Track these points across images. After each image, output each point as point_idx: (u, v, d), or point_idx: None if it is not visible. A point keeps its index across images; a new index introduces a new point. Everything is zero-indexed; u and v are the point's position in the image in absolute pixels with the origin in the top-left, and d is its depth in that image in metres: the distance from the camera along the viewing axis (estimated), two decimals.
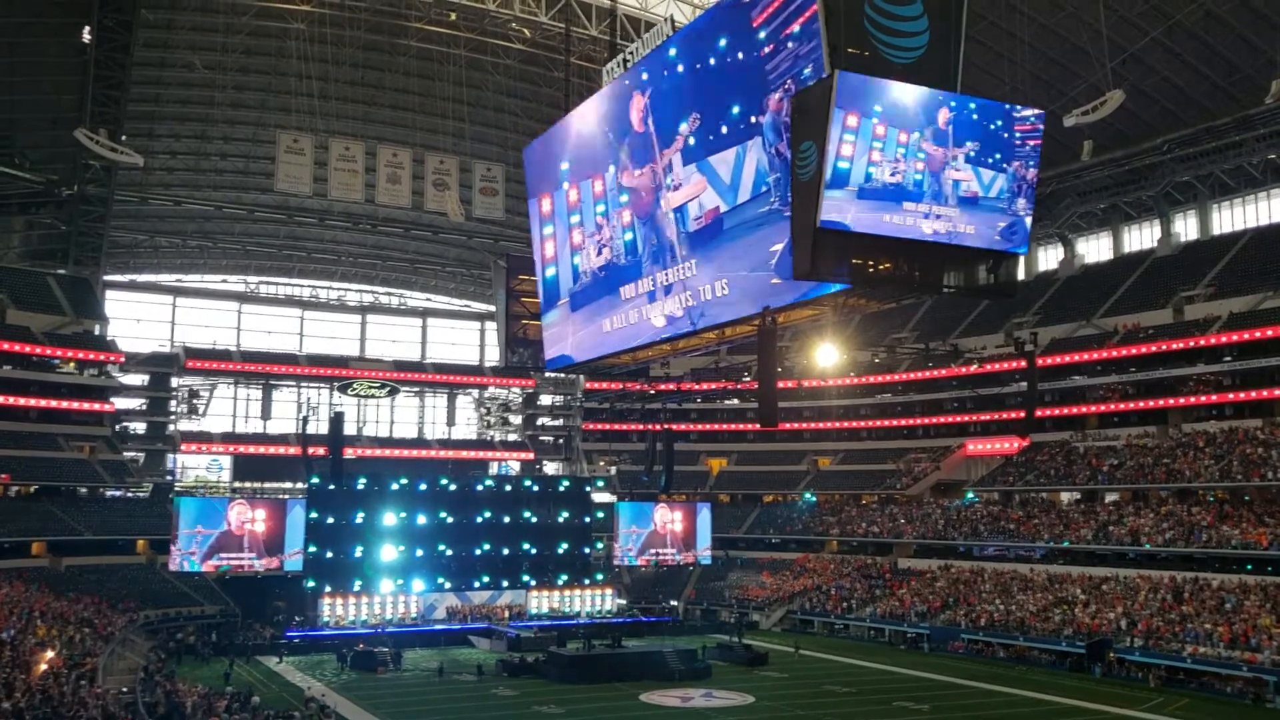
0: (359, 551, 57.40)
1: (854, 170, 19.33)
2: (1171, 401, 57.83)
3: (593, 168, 30.36)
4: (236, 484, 70.60)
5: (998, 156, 20.77)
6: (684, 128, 26.06)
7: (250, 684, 40.46)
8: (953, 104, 20.26)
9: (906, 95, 19.76)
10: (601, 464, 78.06)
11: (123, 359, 66.92)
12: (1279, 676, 38.26)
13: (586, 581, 62.33)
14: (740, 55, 23.38)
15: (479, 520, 60.88)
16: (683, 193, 26.39)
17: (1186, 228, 65.96)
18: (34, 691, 27.33)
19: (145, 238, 75.11)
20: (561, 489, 65.46)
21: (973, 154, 20.49)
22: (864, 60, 19.86)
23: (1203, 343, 55.70)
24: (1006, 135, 20.90)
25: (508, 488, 64.76)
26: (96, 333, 66.60)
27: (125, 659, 43.07)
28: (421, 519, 59.18)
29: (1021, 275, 65.26)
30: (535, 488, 64.79)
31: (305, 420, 59.77)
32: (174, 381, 72.65)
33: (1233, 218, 63.63)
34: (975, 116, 20.54)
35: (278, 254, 79.55)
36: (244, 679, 42.11)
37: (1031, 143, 21.14)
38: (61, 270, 68.31)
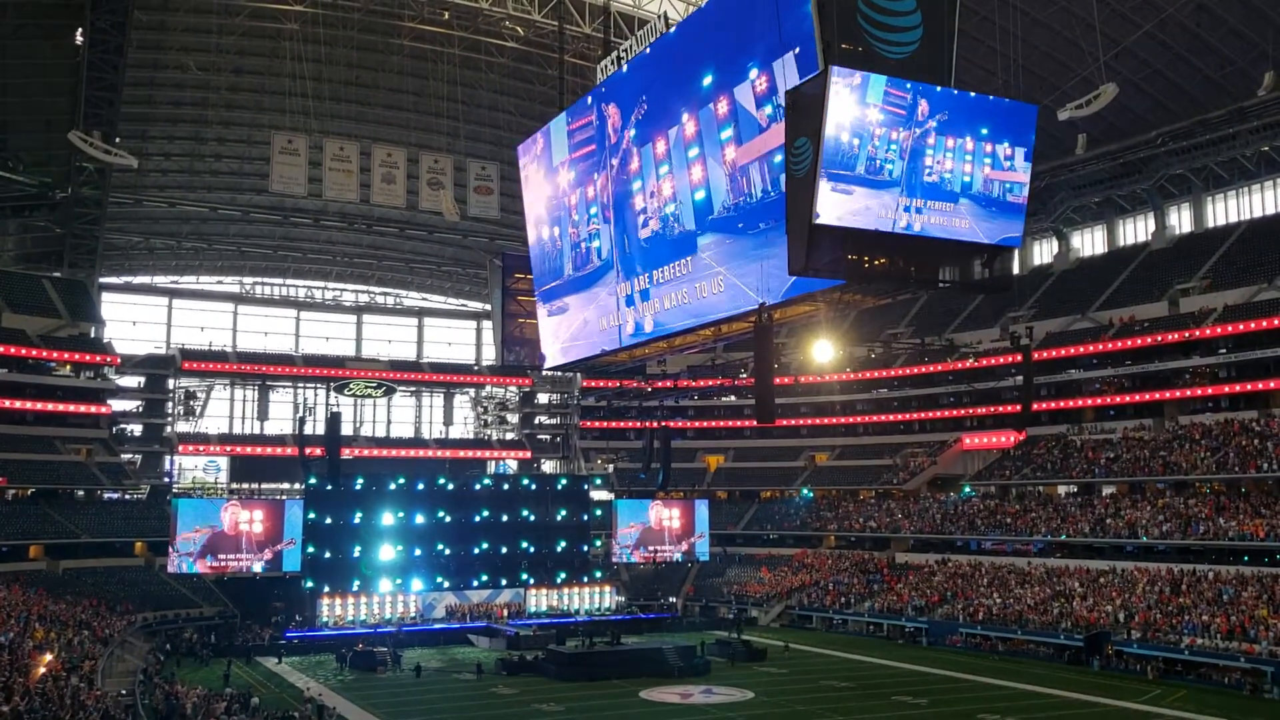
0: (357, 551, 57.40)
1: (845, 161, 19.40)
2: (1167, 394, 57.93)
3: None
4: (234, 485, 70.58)
5: (989, 150, 20.82)
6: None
7: (249, 685, 40.46)
8: (943, 98, 20.29)
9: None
10: (599, 462, 78.10)
11: (119, 361, 66.89)
12: (1276, 667, 38.40)
13: (585, 579, 62.35)
14: None
15: (477, 519, 60.90)
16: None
17: (1181, 220, 66.07)
18: (33, 695, 27.32)
19: (140, 240, 75.01)
20: (559, 487, 65.45)
21: (964, 148, 20.54)
22: (858, 56, 19.88)
23: (1198, 335, 55.82)
24: (999, 130, 20.95)
25: (505, 486, 64.77)
26: (92, 335, 66.54)
27: (124, 661, 43.07)
28: (419, 518, 59.19)
29: (1016, 269, 64.98)
30: (533, 486, 64.80)
31: (302, 421, 59.77)
32: (170, 383, 72.56)
33: (1226, 210, 63.75)
34: (967, 111, 20.58)
35: (273, 255, 79.50)
36: (243, 680, 42.12)
37: (1025, 137, 21.21)
38: (56, 273, 68.25)
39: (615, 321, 30.52)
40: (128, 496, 65.28)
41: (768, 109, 22.96)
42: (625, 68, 28.97)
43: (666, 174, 27.13)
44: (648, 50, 27.92)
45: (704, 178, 25.63)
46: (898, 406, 72.81)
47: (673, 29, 27.40)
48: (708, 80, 25.20)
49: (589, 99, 30.40)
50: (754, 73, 23.33)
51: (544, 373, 61.78)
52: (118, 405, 69.53)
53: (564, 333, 33.87)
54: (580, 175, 31.61)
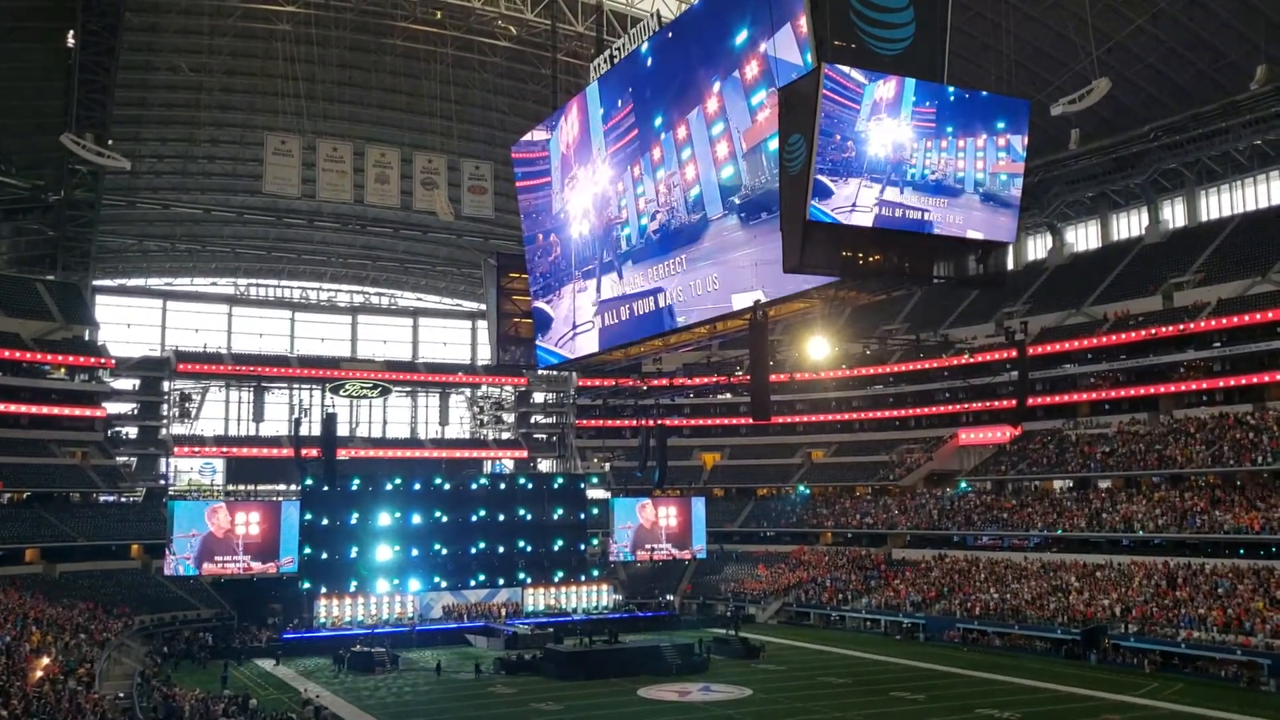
0: (354, 552, 57.39)
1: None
2: (1162, 388, 58.04)
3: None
4: (230, 487, 70.51)
5: (983, 147, 20.86)
6: None
7: (247, 687, 40.40)
8: (936, 95, 20.33)
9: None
10: (595, 460, 78.09)
11: (113, 364, 66.74)
12: (1273, 660, 38.47)
13: (582, 578, 62.32)
14: None
15: (474, 519, 60.89)
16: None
17: (1174, 214, 66.18)
18: (30, 699, 27.29)
19: (134, 242, 74.84)
20: (556, 486, 65.47)
21: (958, 144, 20.57)
22: (851, 53, 19.92)
23: (1192, 329, 55.92)
24: (993, 125, 20.99)
25: (502, 486, 64.70)
26: (87, 338, 66.38)
27: (121, 664, 42.97)
28: (416, 518, 59.19)
29: (1010, 265, 65.41)
30: (529, 485, 64.75)
31: (298, 422, 59.67)
32: (165, 385, 72.48)
33: (1220, 204, 63.88)
34: (957, 94, 20.62)
35: (267, 256, 79.36)
36: (241, 682, 42.06)
37: (1018, 132, 21.25)
38: (50, 276, 68.05)
39: (626, 314, 30.37)
40: (123, 499, 65.07)
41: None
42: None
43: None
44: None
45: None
46: (893, 403, 72.86)
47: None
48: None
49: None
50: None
51: (540, 372, 61.70)
52: (113, 408, 69.35)
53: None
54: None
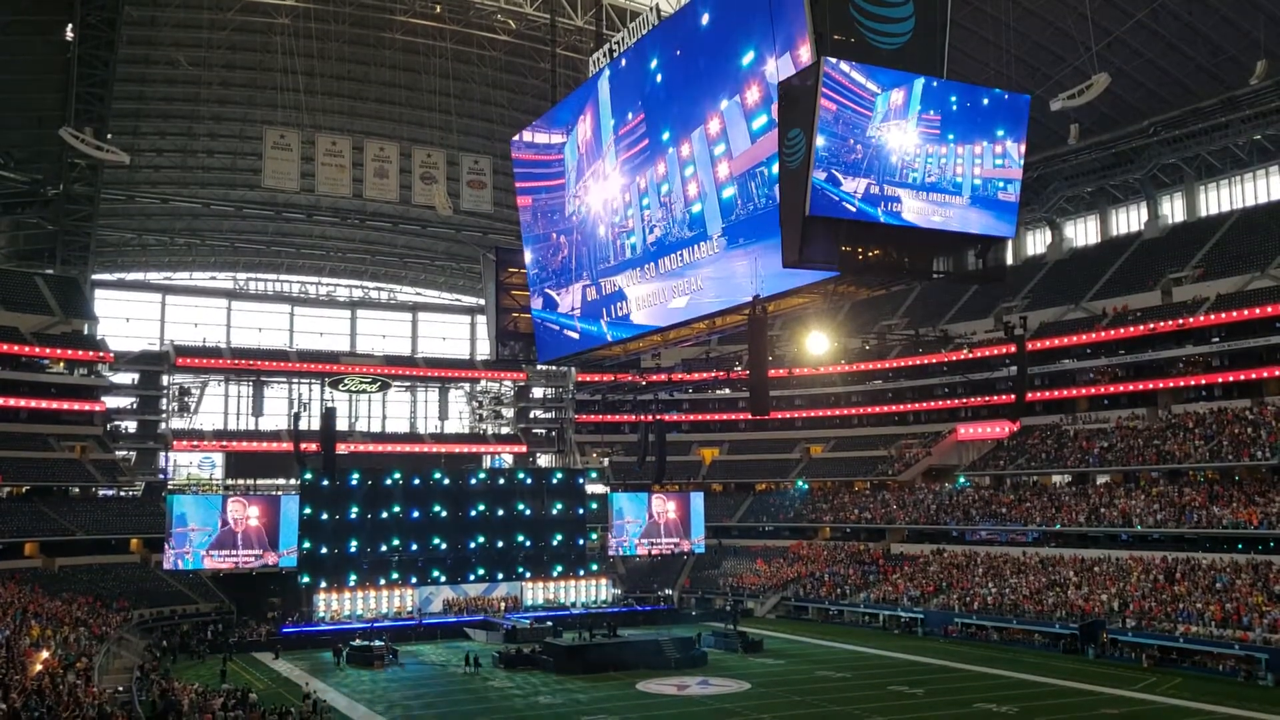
0: (353, 546, 57.48)
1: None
2: (1161, 383, 58.10)
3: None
4: (230, 481, 70.52)
5: (983, 141, 20.87)
6: None
7: (247, 681, 40.46)
8: (936, 89, 20.35)
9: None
10: (594, 455, 78.15)
11: (112, 358, 66.71)
12: (1270, 654, 38.57)
13: (581, 572, 62.45)
14: None
15: (473, 513, 60.96)
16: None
17: (1174, 210, 66.20)
18: (30, 692, 27.30)
19: (133, 236, 74.79)
20: (555, 481, 65.52)
21: (958, 139, 20.59)
22: (850, 47, 19.91)
23: (1191, 324, 55.95)
24: (992, 120, 20.99)
25: (501, 480, 64.76)
26: (86, 332, 66.33)
27: (121, 658, 42.97)
28: (416, 513, 59.26)
29: (1010, 260, 65.44)
30: (529, 480, 64.81)
31: (297, 416, 59.61)
32: (164, 380, 72.51)
33: (1219, 199, 63.89)
34: (959, 102, 20.62)
35: (266, 250, 79.33)
36: (240, 676, 42.11)
37: (1018, 127, 21.25)
38: (49, 270, 68.04)
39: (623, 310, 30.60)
40: (123, 493, 65.18)
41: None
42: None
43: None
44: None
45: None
46: (892, 398, 72.90)
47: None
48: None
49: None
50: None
51: (539, 367, 61.70)
52: (112, 402, 69.42)
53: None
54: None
